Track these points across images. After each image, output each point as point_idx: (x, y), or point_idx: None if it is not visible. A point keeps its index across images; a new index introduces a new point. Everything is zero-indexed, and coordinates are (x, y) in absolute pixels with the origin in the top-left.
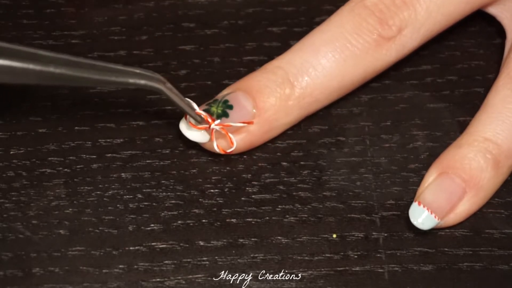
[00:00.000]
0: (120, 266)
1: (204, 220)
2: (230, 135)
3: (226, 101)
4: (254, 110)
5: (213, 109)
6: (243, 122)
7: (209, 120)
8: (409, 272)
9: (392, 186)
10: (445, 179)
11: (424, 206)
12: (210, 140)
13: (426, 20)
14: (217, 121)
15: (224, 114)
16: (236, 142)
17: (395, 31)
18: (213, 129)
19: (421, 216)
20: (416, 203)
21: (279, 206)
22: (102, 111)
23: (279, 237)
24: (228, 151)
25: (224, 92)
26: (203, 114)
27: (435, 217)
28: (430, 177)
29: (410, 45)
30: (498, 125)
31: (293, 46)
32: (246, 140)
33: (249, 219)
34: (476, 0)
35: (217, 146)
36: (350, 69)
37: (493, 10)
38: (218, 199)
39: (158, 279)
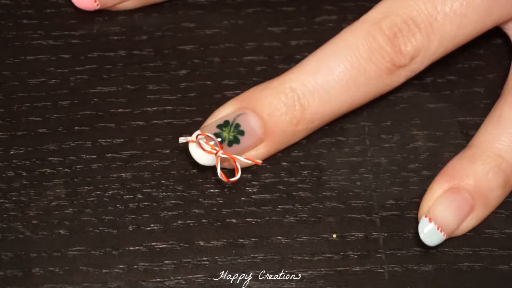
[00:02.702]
0: (120, 266)
1: (204, 220)
2: (238, 164)
3: (237, 126)
4: (263, 130)
5: (225, 134)
6: (251, 160)
7: (216, 148)
8: (409, 272)
9: (392, 186)
10: (456, 196)
11: (435, 224)
12: (215, 166)
13: (437, 51)
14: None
15: (235, 141)
16: (241, 162)
17: (408, 60)
18: (218, 156)
19: (431, 235)
20: (427, 219)
21: (279, 206)
22: (102, 111)
23: (279, 237)
24: (232, 179)
25: (233, 106)
26: (214, 139)
27: (444, 235)
28: (439, 189)
29: (418, 70)
30: None
31: (307, 65)
32: (251, 160)
33: (249, 219)
34: (487, 27)
35: (221, 174)
36: (361, 94)
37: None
38: (218, 199)
39: (158, 279)
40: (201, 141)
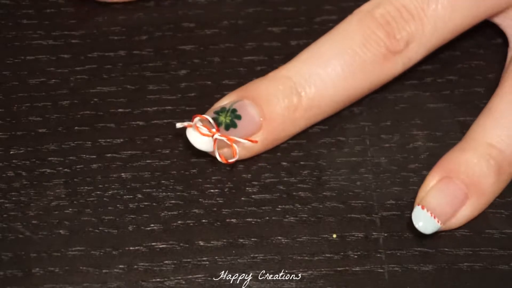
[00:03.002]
0: (120, 266)
1: (204, 220)
2: (235, 145)
3: (234, 110)
4: (261, 119)
5: (221, 118)
6: (248, 140)
7: (213, 130)
8: (409, 272)
9: (392, 186)
10: (449, 184)
11: (427, 211)
12: (213, 149)
13: (432, 36)
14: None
15: (232, 125)
16: (240, 151)
17: (402, 45)
18: (216, 138)
19: (425, 221)
20: (420, 207)
21: (279, 206)
22: (102, 111)
23: (279, 237)
24: (230, 161)
25: (231, 97)
26: (211, 121)
27: (438, 221)
28: (432, 180)
29: (415, 58)
30: (503, 131)
31: (302, 55)
32: (251, 150)
33: (249, 219)
34: (481, 14)
35: (219, 156)
36: (358, 82)
37: (496, 19)
38: (218, 199)
39: (158, 279)
40: (197, 124)
